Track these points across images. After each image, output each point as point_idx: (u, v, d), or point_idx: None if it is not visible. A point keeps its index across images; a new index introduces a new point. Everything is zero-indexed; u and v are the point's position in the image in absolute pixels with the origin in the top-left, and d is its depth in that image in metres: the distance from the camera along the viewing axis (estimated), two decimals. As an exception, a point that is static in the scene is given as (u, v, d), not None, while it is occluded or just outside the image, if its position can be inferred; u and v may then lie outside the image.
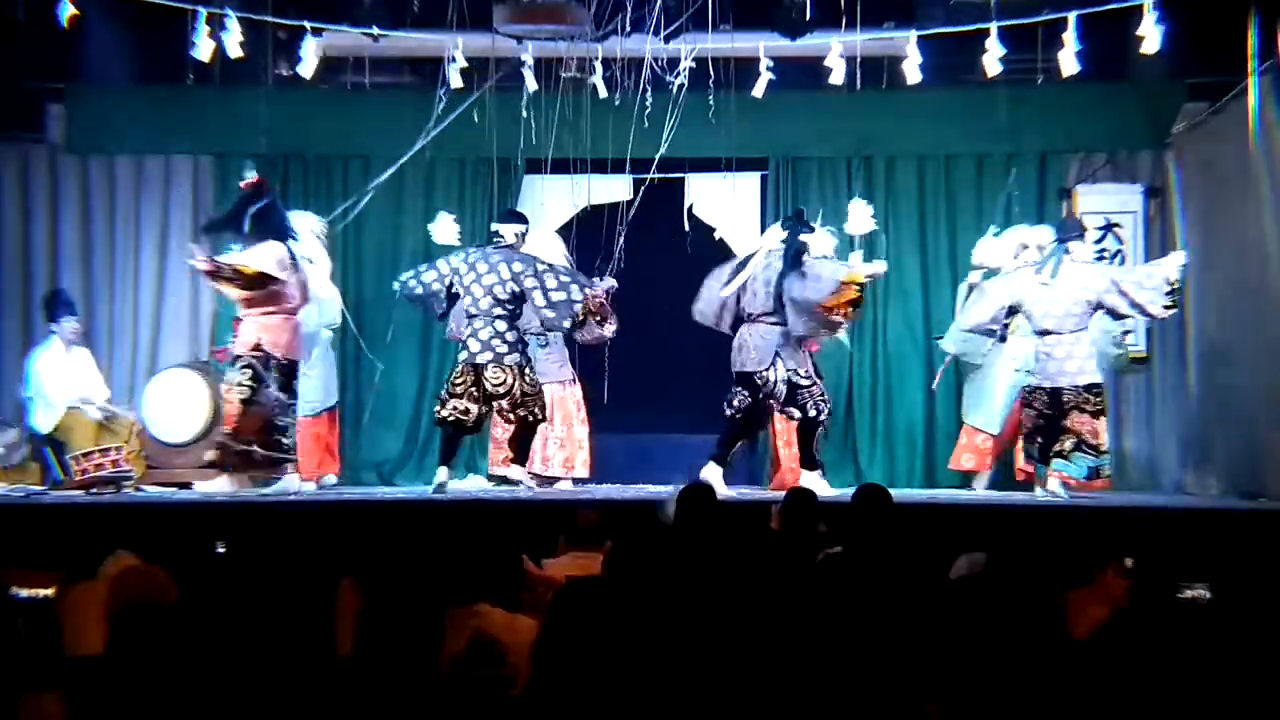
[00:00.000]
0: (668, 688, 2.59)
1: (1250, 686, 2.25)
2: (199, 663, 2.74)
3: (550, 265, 8.40)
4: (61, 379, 8.75)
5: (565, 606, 2.54)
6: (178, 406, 9.24)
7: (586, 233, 9.38)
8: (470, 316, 8.26)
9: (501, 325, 8.21)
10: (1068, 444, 8.10)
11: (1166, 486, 9.18)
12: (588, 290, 8.35)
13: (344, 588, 3.79)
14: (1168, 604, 3.50)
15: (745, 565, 4.00)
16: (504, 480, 9.05)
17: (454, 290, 8.36)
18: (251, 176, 8.39)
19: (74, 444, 8.54)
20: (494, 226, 8.61)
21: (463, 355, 8.27)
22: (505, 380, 8.17)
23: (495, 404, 8.26)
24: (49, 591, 4.00)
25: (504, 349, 8.18)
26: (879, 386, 10.17)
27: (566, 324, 8.36)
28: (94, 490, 8.32)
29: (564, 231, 9.64)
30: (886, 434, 10.14)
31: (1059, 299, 8.22)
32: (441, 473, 8.25)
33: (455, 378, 8.27)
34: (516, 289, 8.22)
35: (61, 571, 4.14)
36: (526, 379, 8.26)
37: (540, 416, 8.40)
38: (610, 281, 8.79)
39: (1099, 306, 8.19)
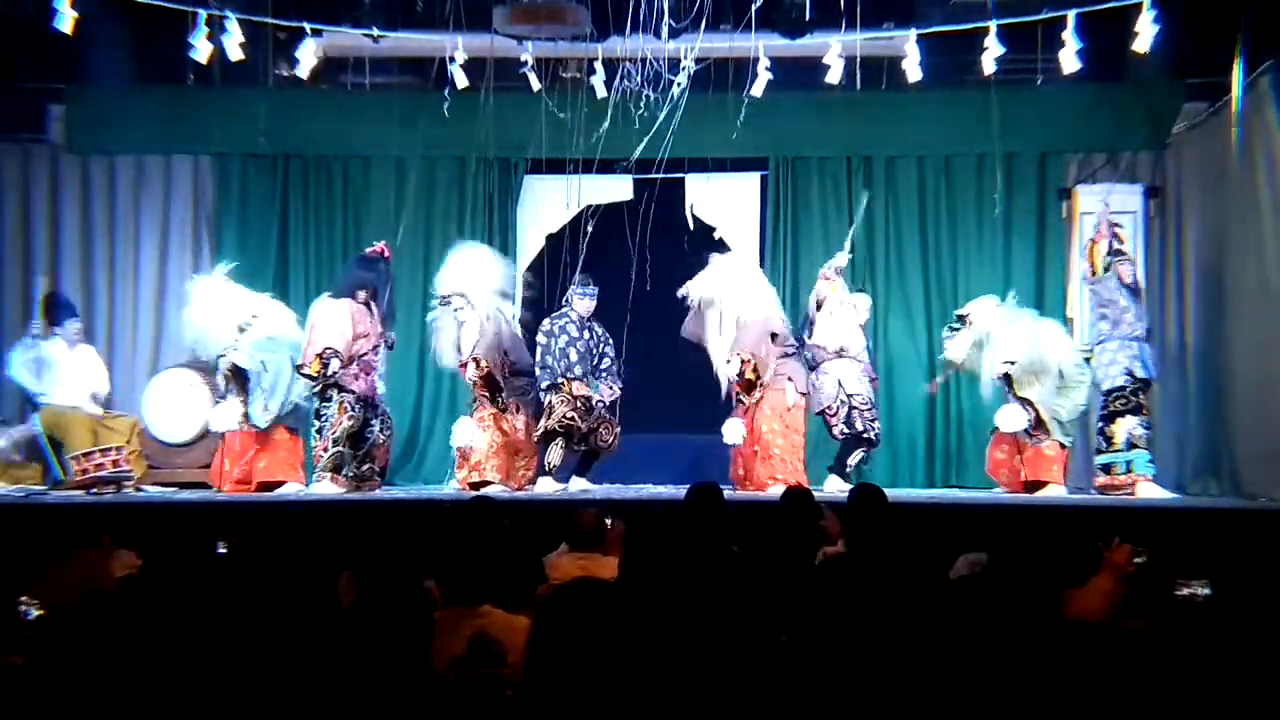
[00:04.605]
0: (665, 687, 2.59)
1: (1250, 685, 2.25)
2: (197, 660, 2.74)
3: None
4: (66, 377, 8.74)
5: (557, 609, 2.53)
6: (178, 406, 9.25)
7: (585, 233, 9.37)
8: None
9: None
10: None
11: (1166, 486, 9.16)
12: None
13: (344, 581, 3.80)
14: (1166, 601, 3.50)
15: (747, 563, 4.00)
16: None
17: None
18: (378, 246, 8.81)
19: (74, 444, 8.54)
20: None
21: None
22: None
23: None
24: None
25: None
26: (880, 386, 10.14)
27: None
28: (94, 490, 8.33)
29: (564, 232, 9.62)
30: (887, 434, 10.11)
31: None
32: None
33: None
34: None
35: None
36: None
37: None
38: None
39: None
